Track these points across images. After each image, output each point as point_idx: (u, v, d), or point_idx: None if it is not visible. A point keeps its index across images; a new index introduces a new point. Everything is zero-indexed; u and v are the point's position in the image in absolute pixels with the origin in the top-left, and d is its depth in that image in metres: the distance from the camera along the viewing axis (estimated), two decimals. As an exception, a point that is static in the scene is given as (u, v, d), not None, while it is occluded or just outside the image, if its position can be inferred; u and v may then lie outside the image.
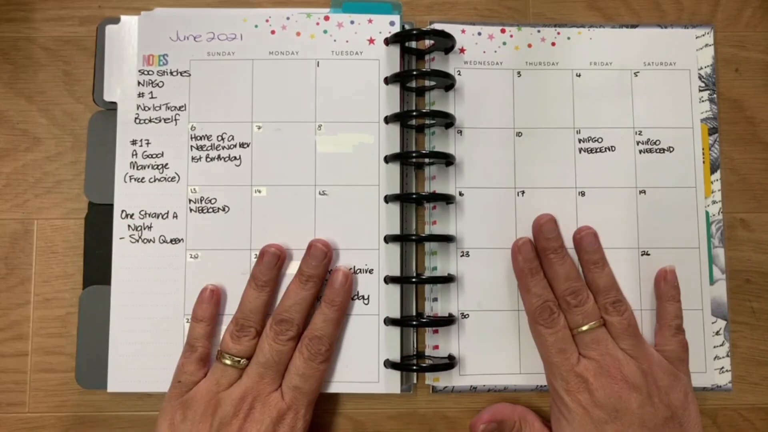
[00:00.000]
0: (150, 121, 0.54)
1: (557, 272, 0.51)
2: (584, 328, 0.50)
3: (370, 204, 0.53)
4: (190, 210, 0.53)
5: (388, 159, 0.53)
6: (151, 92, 0.54)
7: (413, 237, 0.53)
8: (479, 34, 0.56)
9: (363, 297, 0.53)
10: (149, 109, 0.54)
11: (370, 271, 0.53)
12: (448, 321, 0.53)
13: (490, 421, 0.51)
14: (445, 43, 0.54)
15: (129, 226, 0.53)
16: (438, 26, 0.55)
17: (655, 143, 0.55)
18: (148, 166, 0.54)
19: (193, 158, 0.54)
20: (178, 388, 0.50)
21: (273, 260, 0.51)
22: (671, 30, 0.56)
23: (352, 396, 0.54)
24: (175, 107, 0.54)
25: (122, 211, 0.53)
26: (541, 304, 0.50)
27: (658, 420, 0.48)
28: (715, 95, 0.56)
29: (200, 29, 0.55)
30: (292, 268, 0.52)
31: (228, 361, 0.50)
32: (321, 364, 0.50)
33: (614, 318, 0.50)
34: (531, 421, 0.51)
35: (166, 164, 0.54)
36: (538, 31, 0.56)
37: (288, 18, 0.55)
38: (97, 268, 0.53)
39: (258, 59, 0.54)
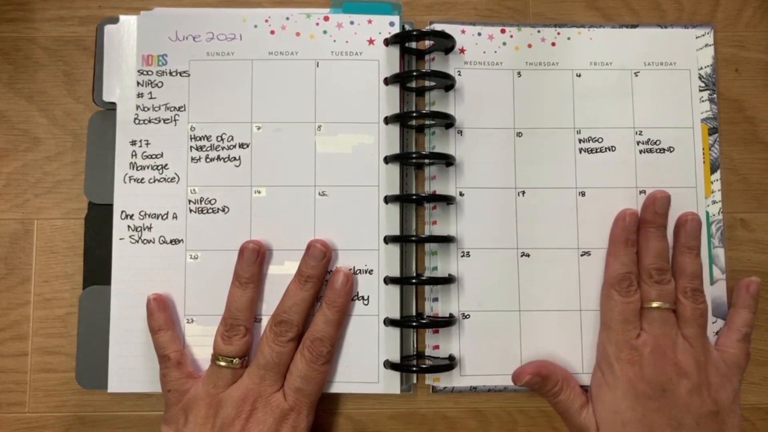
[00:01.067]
0: (149, 121, 0.54)
1: (652, 246, 0.52)
2: (655, 304, 0.50)
3: (370, 204, 0.53)
4: (190, 211, 0.53)
5: (388, 159, 0.53)
6: (151, 92, 0.54)
7: (413, 238, 0.53)
8: (479, 34, 0.56)
9: (363, 297, 0.53)
10: (148, 109, 0.54)
11: (370, 272, 0.53)
12: (449, 321, 0.53)
13: (535, 374, 0.51)
14: (445, 44, 0.54)
15: (129, 226, 0.53)
16: (438, 26, 0.55)
17: (655, 143, 0.55)
18: (148, 167, 0.54)
19: (192, 159, 0.54)
20: (173, 396, 0.50)
21: (253, 256, 0.51)
22: (671, 30, 0.56)
23: (352, 396, 0.54)
24: (175, 107, 0.54)
25: (122, 211, 0.53)
26: (624, 272, 0.51)
27: (703, 411, 0.48)
28: (715, 95, 0.56)
29: (200, 29, 0.55)
30: (292, 269, 0.52)
31: (222, 363, 0.50)
32: (323, 365, 0.50)
33: (689, 303, 0.51)
34: (573, 385, 0.52)
35: (166, 165, 0.54)
36: (538, 32, 0.56)
37: (288, 18, 0.55)
38: (97, 268, 0.53)
39: (257, 59, 0.54)
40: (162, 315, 0.51)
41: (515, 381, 0.52)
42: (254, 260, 0.51)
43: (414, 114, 0.53)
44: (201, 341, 0.53)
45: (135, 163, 0.54)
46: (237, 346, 0.50)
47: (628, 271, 0.51)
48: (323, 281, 0.52)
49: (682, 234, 0.53)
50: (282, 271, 0.53)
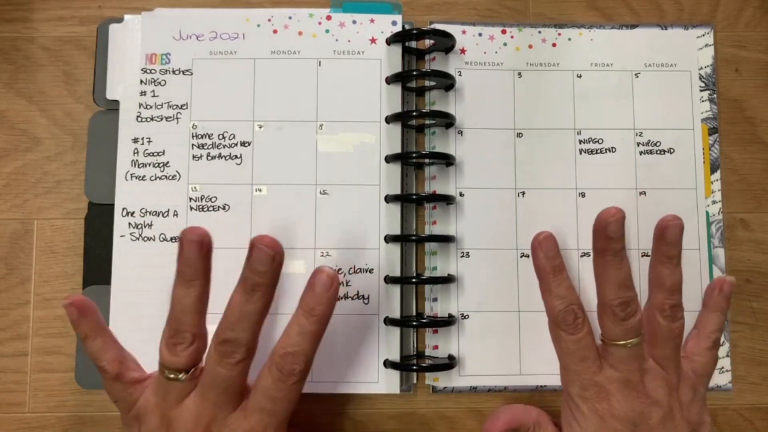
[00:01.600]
0: (152, 119, 0.54)
1: (611, 277, 0.45)
2: (621, 342, 0.45)
3: (370, 204, 0.53)
4: (191, 208, 0.53)
5: (388, 159, 0.53)
6: (153, 90, 0.54)
7: (413, 237, 0.53)
8: (480, 35, 0.56)
9: (363, 297, 0.53)
10: (151, 107, 0.54)
11: (370, 271, 0.53)
12: (448, 321, 0.53)
13: (506, 429, 0.47)
14: (446, 43, 0.54)
15: (129, 224, 0.53)
16: (439, 26, 0.55)
17: (655, 144, 0.55)
18: (149, 164, 0.54)
19: (194, 156, 0.54)
20: (121, 405, 0.45)
21: (195, 248, 0.41)
22: (672, 31, 0.56)
23: (352, 396, 0.54)
24: (177, 106, 0.54)
25: (123, 208, 0.53)
26: (564, 308, 0.45)
27: None
28: (715, 95, 0.56)
29: (203, 28, 0.55)
30: (292, 269, 0.52)
31: (170, 375, 0.42)
32: (295, 384, 0.42)
33: (666, 323, 0.46)
34: (545, 425, 0.48)
35: (167, 162, 0.54)
36: (539, 32, 0.56)
37: (290, 17, 0.55)
38: (97, 268, 0.53)
39: (260, 58, 0.54)
40: (85, 321, 0.44)
41: None
42: (197, 252, 0.41)
43: (414, 113, 0.54)
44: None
45: (137, 160, 0.54)
46: (183, 357, 0.42)
47: (568, 305, 0.45)
48: (275, 288, 0.42)
49: (662, 242, 0.47)
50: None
